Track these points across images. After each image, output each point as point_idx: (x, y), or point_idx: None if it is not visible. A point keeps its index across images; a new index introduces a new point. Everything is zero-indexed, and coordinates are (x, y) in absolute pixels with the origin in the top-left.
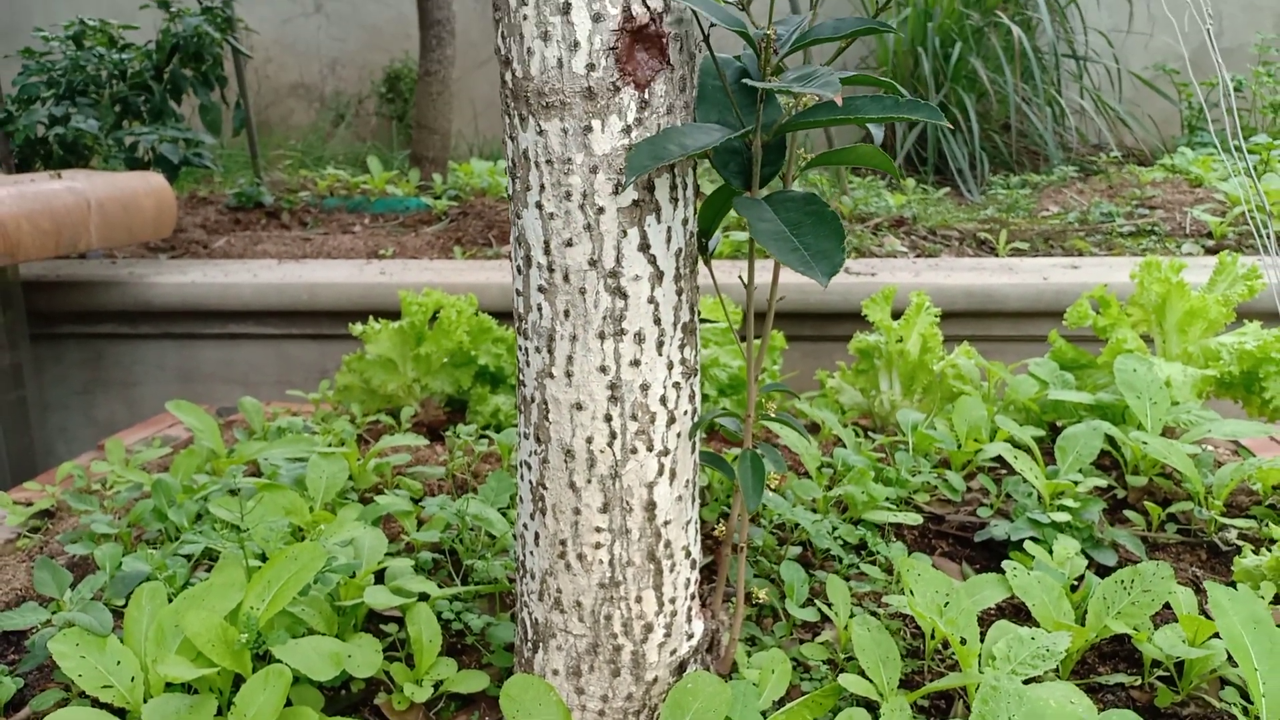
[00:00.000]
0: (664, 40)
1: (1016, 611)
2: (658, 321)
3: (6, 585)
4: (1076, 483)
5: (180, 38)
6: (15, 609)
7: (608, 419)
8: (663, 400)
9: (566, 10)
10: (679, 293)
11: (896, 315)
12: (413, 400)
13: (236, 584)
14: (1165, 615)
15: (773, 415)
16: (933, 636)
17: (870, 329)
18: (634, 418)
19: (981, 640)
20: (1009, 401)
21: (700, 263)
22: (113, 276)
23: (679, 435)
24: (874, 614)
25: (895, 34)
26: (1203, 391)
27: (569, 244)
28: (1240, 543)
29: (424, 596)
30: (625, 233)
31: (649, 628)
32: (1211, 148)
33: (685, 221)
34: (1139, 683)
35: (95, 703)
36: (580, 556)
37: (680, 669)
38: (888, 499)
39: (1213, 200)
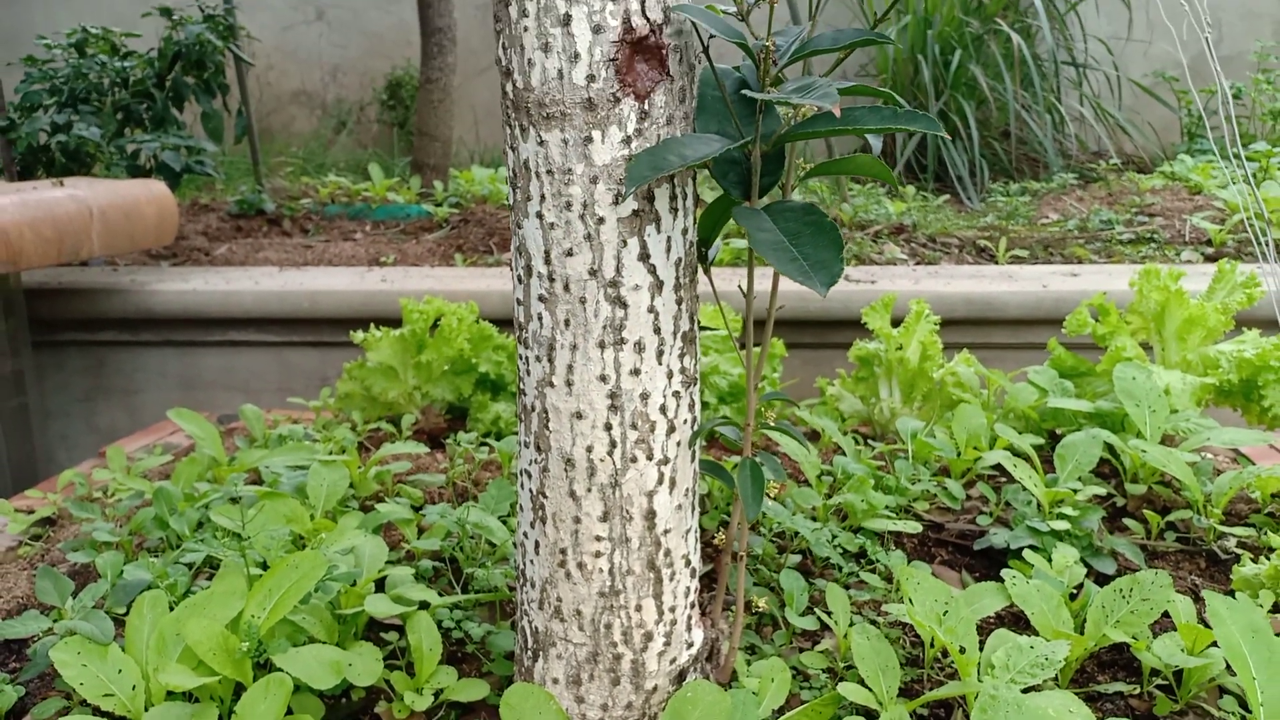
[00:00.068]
0: (664, 51)
1: (1015, 620)
2: (657, 330)
3: (8, 593)
4: (1076, 491)
5: (182, 45)
6: (17, 617)
7: (608, 428)
8: (662, 409)
9: (567, 22)
10: (679, 302)
11: (896, 323)
12: (413, 408)
13: (238, 592)
14: (1164, 624)
15: (772, 423)
16: (932, 645)
17: (870, 336)
18: (634, 426)
19: (981, 649)
20: (1008, 409)
21: (700, 271)
22: (114, 284)
23: (679, 444)
24: (873, 622)
25: (895, 45)
26: (1202, 399)
27: (569, 254)
28: (1239, 551)
29: (424, 605)
30: (625, 242)
31: (649, 636)
32: (1211, 155)
33: (685, 231)
34: (1138, 691)
35: (96, 711)
36: (580, 565)
37: (680, 678)
38: (887, 507)
39: (1212, 208)
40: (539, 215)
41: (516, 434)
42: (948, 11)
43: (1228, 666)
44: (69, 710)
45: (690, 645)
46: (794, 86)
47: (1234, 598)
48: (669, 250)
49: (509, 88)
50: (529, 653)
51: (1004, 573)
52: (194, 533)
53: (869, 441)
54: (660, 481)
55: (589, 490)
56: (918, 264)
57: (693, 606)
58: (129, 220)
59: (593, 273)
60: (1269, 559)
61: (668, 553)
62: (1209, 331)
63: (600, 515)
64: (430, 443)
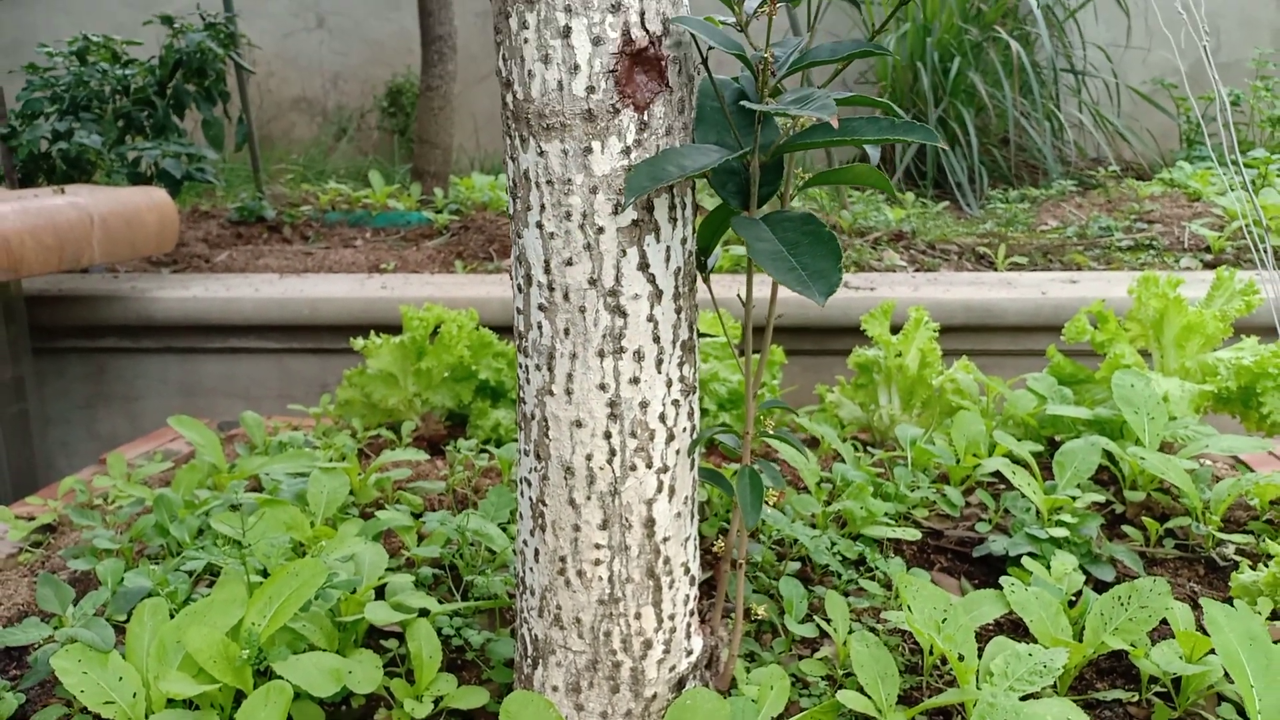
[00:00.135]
0: (663, 63)
1: (1014, 627)
2: (657, 339)
3: (8, 600)
4: (1074, 498)
5: (183, 53)
6: (17, 624)
7: (607, 436)
8: (662, 417)
9: (567, 34)
10: (678, 311)
11: (895, 330)
12: (413, 415)
13: (238, 600)
14: (1163, 631)
15: (771, 431)
16: (931, 652)
17: (869, 344)
18: (633, 435)
19: (979, 656)
20: (1007, 416)
21: (699, 279)
22: (115, 291)
23: (678, 452)
24: (872, 630)
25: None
26: (1200, 406)
27: (569, 263)
28: (1238, 558)
29: (424, 612)
30: (625, 252)
31: (648, 644)
32: (1209, 162)
33: (684, 241)
34: (1136, 699)
35: (97, 718)
36: (580, 573)
37: (679, 685)
38: (886, 514)
39: (1211, 215)
40: (539, 225)
41: (516, 441)
42: (947, 19)
43: (1226, 674)
44: (70, 717)
45: (690, 653)
46: (792, 97)
47: (1232, 605)
48: (668, 260)
49: (509, 99)
50: (529, 660)
51: (1003, 580)
52: (194, 540)
53: (868, 448)
54: (659, 489)
55: (588, 498)
56: (917, 271)
57: (692, 614)
58: (130, 227)
59: (592, 282)
60: (1267, 566)
61: (667, 560)
62: (1208, 338)
63: (600, 523)
64: (430, 450)
